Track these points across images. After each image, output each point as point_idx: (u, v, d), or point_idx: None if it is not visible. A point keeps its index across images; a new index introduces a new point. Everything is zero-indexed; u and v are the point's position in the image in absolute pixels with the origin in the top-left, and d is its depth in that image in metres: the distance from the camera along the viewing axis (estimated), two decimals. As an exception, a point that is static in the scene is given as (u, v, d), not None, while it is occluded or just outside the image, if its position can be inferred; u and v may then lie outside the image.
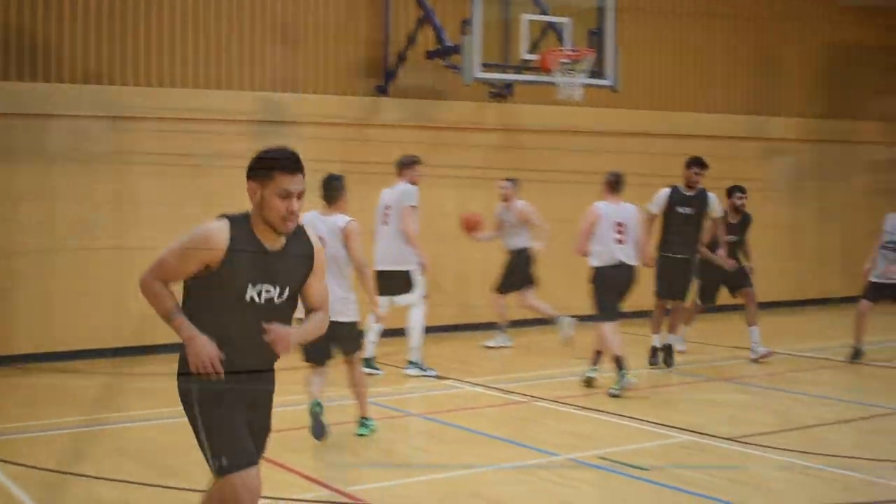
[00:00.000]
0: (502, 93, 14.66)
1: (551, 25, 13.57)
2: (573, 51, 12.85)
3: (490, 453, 7.70)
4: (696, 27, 16.83)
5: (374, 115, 14.00)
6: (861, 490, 6.75)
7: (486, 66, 12.93)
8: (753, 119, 17.14)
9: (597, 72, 13.14)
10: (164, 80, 12.78)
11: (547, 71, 12.72)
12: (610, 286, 9.96)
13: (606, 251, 9.94)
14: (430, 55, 13.90)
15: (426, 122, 14.24)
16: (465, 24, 12.59)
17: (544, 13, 13.61)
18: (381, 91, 14.10)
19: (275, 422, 4.65)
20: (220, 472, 4.26)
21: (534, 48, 13.39)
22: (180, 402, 4.37)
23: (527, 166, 14.76)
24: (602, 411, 9.13)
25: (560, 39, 13.33)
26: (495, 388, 10.29)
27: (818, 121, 17.74)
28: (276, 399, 4.60)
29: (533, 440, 8.09)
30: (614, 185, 10.16)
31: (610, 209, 10.04)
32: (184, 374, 4.31)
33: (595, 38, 13.22)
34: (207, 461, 4.29)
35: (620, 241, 9.94)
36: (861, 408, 9.44)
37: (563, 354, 12.08)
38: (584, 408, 9.32)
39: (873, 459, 7.42)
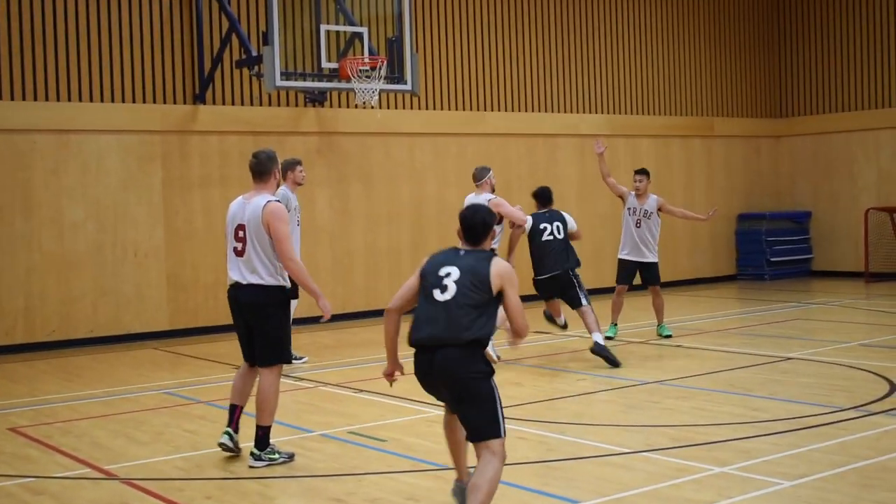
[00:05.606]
0: (317, 98, 15.30)
1: (357, 35, 14.22)
2: (370, 58, 13.55)
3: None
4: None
5: (192, 122, 14.52)
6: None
7: (291, 75, 13.59)
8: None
9: (397, 77, 13.90)
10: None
11: (346, 78, 13.39)
12: None
13: None
14: (238, 64, 14.47)
15: (244, 128, 14.82)
16: (266, 35, 13.20)
17: (350, 23, 14.29)
18: (199, 99, 14.61)
19: None
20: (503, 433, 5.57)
21: (342, 55, 14.06)
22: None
23: (346, 167, 15.55)
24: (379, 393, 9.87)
25: (363, 48, 14.03)
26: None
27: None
28: None
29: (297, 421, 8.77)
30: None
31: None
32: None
33: (394, 45, 13.96)
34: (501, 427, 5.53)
35: None
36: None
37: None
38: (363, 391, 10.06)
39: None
